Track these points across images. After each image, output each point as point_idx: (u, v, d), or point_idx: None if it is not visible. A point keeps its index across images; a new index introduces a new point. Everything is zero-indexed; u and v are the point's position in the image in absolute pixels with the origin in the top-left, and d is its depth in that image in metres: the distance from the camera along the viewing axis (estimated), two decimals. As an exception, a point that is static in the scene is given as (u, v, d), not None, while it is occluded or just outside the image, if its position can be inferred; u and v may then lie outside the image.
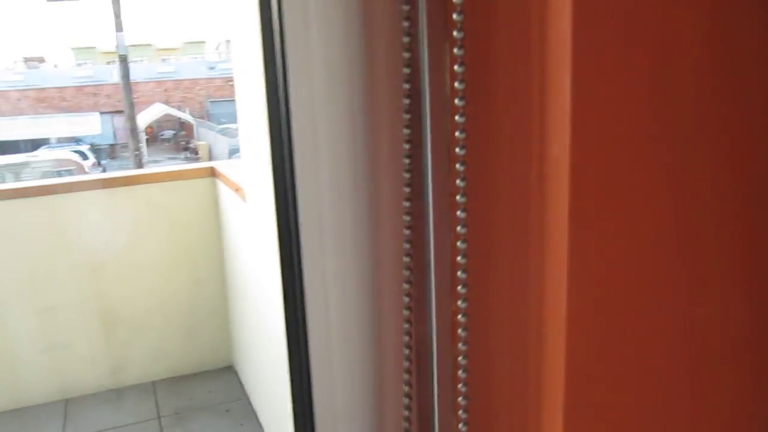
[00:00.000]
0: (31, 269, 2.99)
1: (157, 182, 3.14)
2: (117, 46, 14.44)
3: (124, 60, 14.38)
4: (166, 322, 3.25)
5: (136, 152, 14.59)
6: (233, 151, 25.94)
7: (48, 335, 3.08)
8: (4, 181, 18.64)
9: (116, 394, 3.20)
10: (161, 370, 3.29)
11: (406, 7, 0.62)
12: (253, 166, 2.30)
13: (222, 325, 3.32)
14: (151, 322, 3.22)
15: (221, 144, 27.74)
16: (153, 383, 3.27)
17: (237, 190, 2.61)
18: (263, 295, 2.43)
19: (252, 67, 2.06)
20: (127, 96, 14.20)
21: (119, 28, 14.45)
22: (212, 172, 3.13)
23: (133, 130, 14.90)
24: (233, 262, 3.02)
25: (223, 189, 3.00)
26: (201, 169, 3.16)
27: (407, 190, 0.71)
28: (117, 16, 14.51)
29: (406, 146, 0.70)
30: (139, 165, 15.15)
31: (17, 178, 19.26)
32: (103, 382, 3.21)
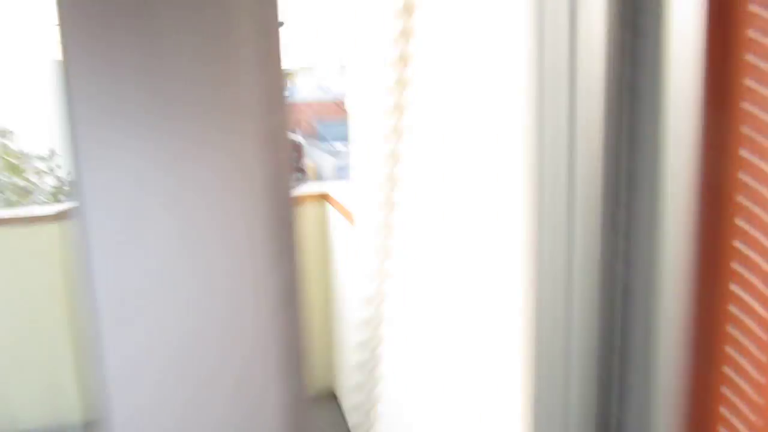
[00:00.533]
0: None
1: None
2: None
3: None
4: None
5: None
6: (339, 170, 26.49)
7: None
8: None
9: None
10: (263, 390, 3.28)
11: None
12: (362, 190, 2.23)
13: (326, 350, 3.27)
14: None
15: (328, 163, 28.40)
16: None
17: (348, 217, 2.55)
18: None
19: (368, 89, 2.00)
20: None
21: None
22: (323, 197, 3.10)
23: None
24: (340, 288, 2.97)
25: (333, 214, 2.96)
26: (313, 194, 3.14)
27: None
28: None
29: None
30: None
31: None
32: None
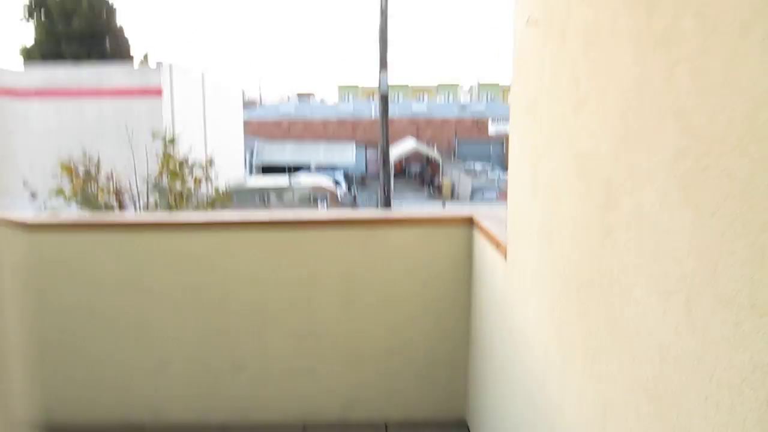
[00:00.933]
0: (292, 296, 3.13)
1: (413, 226, 3.12)
2: (379, 85, 15.39)
3: (384, 98, 15.25)
4: (405, 365, 3.20)
5: (386, 185, 15.32)
6: (476, 191, 26.36)
7: (298, 360, 3.20)
8: (269, 201, 20.84)
9: (348, 429, 3.21)
10: (393, 412, 3.25)
11: None
12: (520, 225, 2.14)
13: (459, 378, 3.19)
14: (391, 362, 3.20)
15: (464, 183, 28.32)
16: (385, 424, 3.23)
17: (497, 245, 2.47)
18: (515, 358, 2.25)
19: (534, 117, 1.92)
20: (383, 132, 15.02)
21: (383, 68, 15.40)
22: (470, 222, 3.03)
23: (385, 164, 15.68)
24: (481, 318, 2.88)
25: (480, 241, 2.88)
26: (459, 217, 3.08)
27: None
28: (383, 57, 15.49)
29: None
30: (388, 198, 15.90)
31: (279, 199, 21.45)
32: (337, 414, 3.25)
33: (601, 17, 1.39)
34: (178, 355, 3.20)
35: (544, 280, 1.85)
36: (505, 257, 2.35)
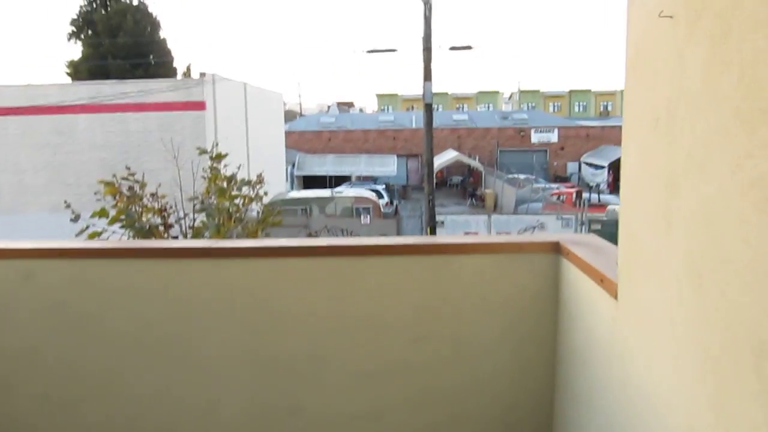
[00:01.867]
0: (355, 331, 2.81)
1: (491, 253, 2.77)
2: (424, 95, 15.05)
3: (429, 108, 14.89)
4: (483, 411, 2.84)
5: (430, 200, 14.95)
6: (519, 202, 25.81)
7: (361, 403, 2.87)
8: (311, 213, 20.70)
9: (417, 478, 2.87)
10: (470, 461, 2.89)
11: None
12: (642, 261, 1.78)
13: (543, 427, 2.82)
14: (466, 408, 2.84)
15: (508, 193, 27.78)
16: (458, 474, 2.88)
17: (602, 281, 2.10)
18: (629, 419, 1.89)
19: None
20: (428, 144, 14.66)
21: (428, 77, 15.07)
22: (556, 248, 2.67)
23: (430, 178, 15.31)
24: (572, 361, 2.51)
25: (571, 271, 2.51)
26: (543, 243, 2.72)
27: None
28: (427, 66, 15.17)
29: None
30: (432, 213, 15.49)
31: (322, 210, 21.32)
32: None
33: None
34: (229, 395, 2.90)
35: (689, 335, 1.49)
36: (615, 296, 1.98)
